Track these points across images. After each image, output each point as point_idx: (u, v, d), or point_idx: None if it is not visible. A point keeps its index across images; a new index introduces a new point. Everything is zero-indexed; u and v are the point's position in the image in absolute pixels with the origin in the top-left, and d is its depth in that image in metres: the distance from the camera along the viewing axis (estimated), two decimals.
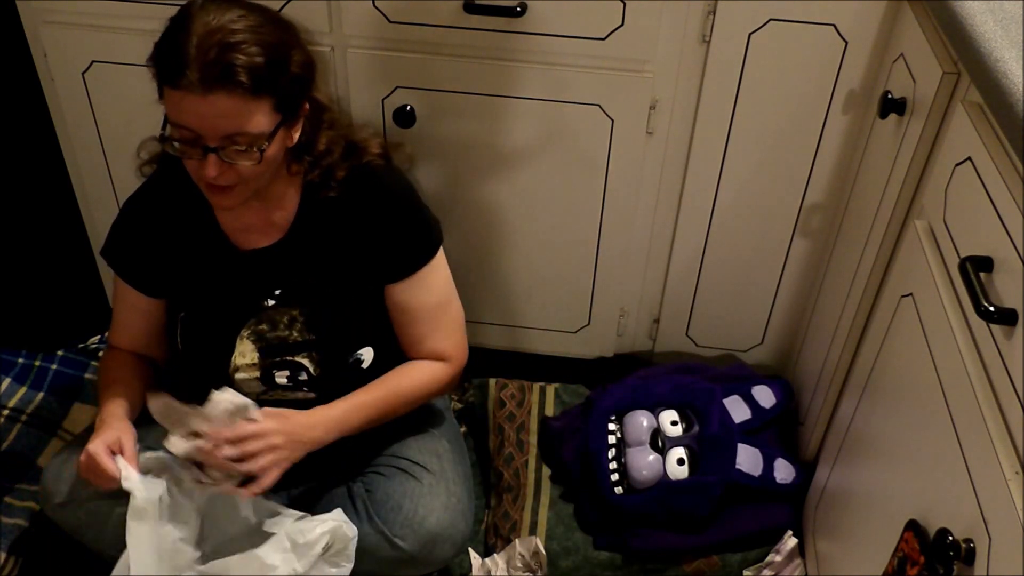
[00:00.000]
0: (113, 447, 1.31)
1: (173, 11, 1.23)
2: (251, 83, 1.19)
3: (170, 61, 1.19)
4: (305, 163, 1.36)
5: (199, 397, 1.33)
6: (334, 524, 1.37)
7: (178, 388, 1.46)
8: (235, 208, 1.33)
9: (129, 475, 1.29)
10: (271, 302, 1.42)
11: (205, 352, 1.45)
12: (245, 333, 1.43)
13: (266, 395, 1.47)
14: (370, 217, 1.40)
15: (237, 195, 1.29)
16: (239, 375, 1.45)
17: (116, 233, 1.46)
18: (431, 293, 1.45)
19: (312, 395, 1.47)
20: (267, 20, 1.24)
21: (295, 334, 1.43)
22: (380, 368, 1.48)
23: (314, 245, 1.40)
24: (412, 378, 1.47)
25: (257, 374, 1.45)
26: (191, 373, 1.48)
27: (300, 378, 1.45)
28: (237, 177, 1.25)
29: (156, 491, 1.31)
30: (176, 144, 1.23)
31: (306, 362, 1.44)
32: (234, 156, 1.23)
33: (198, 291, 1.44)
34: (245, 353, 1.44)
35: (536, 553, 1.59)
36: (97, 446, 1.29)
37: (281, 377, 1.45)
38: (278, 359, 1.44)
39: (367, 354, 1.47)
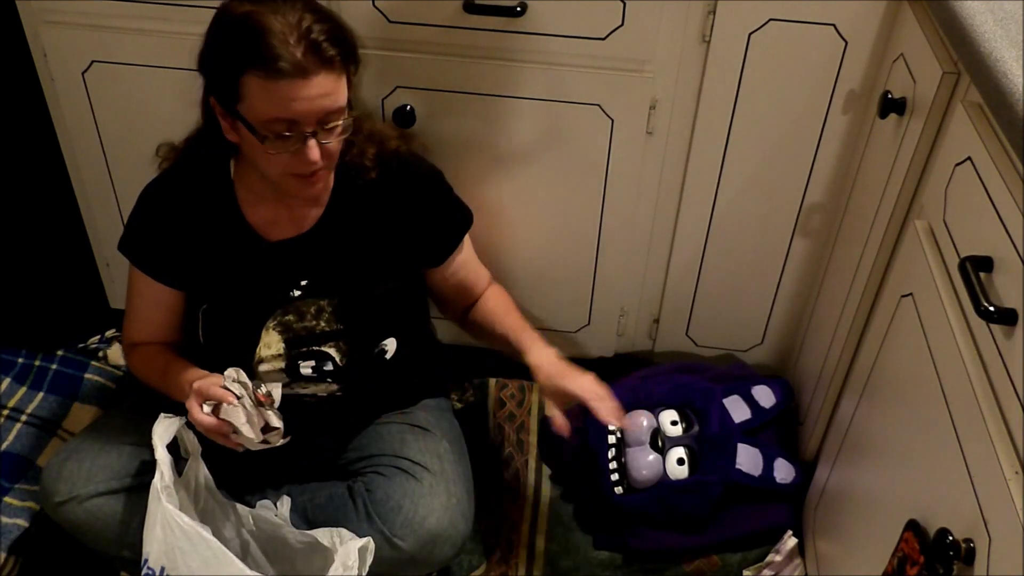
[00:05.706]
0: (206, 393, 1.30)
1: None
2: (340, 56, 1.21)
3: (263, 55, 1.17)
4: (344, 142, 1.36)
5: None
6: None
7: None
8: (322, 192, 1.35)
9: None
10: (298, 292, 1.41)
11: (229, 345, 1.43)
12: (271, 324, 1.42)
13: (288, 387, 1.46)
14: (410, 201, 1.42)
15: (325, 176, 1.31)
16: (263, 367, 1.44)
17: (134, 225, 1.44)
18: (468, 246, 1.58)
19: (335, 387, 1.47)
20: (310, 3, 1.25)
21: (323, 324, 1.43)
22: (401, 359, 1.49)
23: (347, 233, 1.41)
24: (508, 300, 1.62)
25: (282, 365, 1.44)
26: (213, 367, 1.47)
27: (325, 368, 1.45)
28: (327, 157, 1.27)
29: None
30: (272, 140, 1.23)
31: (332, 351, 1.44)
32: (329, 135, 1.25)
33: (222, 284, 1.42)
34: (271, 344, 1.43)
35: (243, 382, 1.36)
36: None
37: (306, 368, 1.44)
38: (304, 349, 1.44)
39: (391, 345, 1.48)
